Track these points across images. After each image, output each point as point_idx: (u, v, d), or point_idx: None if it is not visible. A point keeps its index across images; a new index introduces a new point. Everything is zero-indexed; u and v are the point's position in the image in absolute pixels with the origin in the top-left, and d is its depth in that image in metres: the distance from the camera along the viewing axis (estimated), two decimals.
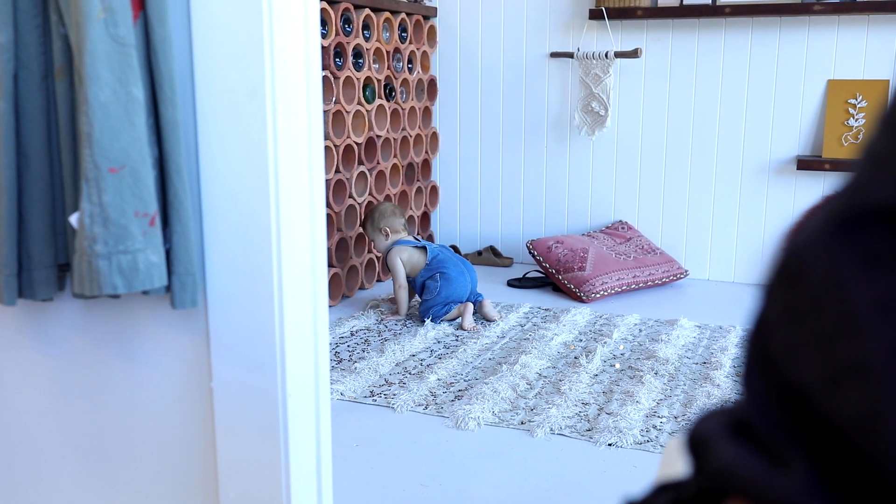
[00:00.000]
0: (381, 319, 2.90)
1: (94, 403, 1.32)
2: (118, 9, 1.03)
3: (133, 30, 1.06)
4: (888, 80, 3.14)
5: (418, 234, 3.77)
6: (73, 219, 1.10)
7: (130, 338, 1.26)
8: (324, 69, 2.91)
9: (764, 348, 0.35)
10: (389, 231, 2.96)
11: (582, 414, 2.10)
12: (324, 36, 2.91)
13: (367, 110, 3.20)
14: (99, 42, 1.03)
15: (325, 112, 2.92)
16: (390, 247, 2.94)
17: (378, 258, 3.40)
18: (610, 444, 1.94)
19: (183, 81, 1.11)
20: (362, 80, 3.16)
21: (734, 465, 0.35)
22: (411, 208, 3.67)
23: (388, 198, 3.45)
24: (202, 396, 1.24)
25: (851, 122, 3.17)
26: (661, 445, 1.93)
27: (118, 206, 1.04)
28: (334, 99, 2.97)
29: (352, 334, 2.72)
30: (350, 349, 2.59)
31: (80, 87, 1.05)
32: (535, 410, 2.12)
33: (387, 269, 3.11)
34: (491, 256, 3.73)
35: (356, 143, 3.15)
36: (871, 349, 0.29)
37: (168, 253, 1.12)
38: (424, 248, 2.95)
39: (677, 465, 0.69)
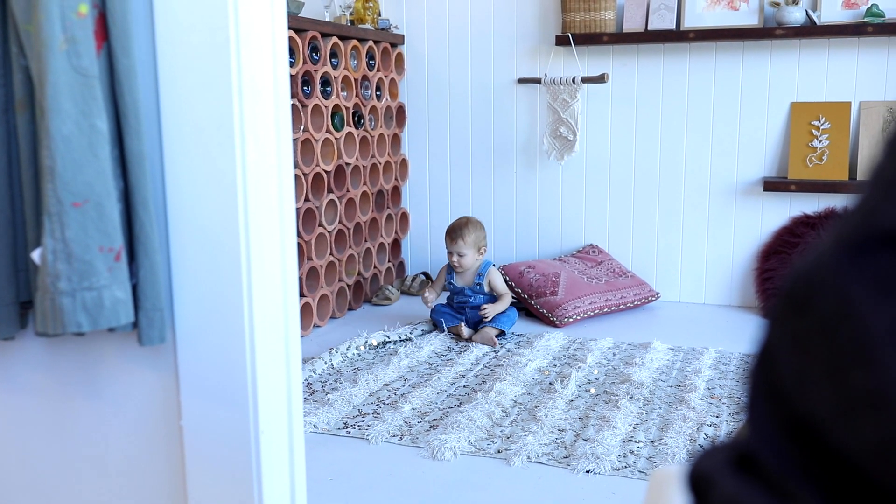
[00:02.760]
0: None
1: (59, 444, 1.28)
2: (81, 39, 1.01)
3: (96, 60, 1.03)
4: (850, 102, 3.19)
5: (389, 261, 3.75)
6: (36, 255, 1.07)
7: (96, 376, 1.22)
8: (292, 98, 2.90)
9: (770, 379, 0.34)
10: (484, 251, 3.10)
11: (559, 441, 2.08)
12: (291, 64, 2.89)
13: (335, 138, 3.18)
14: (61, 73, 1.01)
15: (294, 141, 2.90)
16: (487, 265, 3.08)
17: (350, 286, 3.37)
18: (588, 471, 1.92)
19: (148, 112, 1.09)
20: (331, 108, 3.15)
21: (739, 502, 0.34)
22: (382, 236, 3.65)
23: (358, 226, 3.43)
24: (171, 435, 1.20)
25: (815, 143, 3.21)
26: (640, 471, 1.91)
27: (82, 242, 1.01)
28: (302, 127, 2.96)
29: (325, 363, 2.68)
30: (322, 380, 2.55)
31: (42, 119, 1.03)
32: (511, 438, 2.09)
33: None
34: None
35: (325, 171, 3.13)
36: (887, 377, 0.28)
37: (135, 288, 1.09)
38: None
39: (664, 497, 0.67)
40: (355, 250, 3.41)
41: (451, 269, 3.08)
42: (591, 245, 3.58)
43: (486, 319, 2.96)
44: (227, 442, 1.16)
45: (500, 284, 3.06)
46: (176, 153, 1.10)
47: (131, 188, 1.07)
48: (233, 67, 1.06)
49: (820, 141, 3.21)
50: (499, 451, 2.03)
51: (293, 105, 2.89)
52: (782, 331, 0.34)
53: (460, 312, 3.08)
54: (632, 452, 2.01)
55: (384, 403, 2.35)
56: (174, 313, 1.14)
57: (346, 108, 3.28)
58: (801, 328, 0.33)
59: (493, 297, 3.04)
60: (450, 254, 3.03)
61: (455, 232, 3.03)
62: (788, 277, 0.35)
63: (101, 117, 1.03)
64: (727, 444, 0.39)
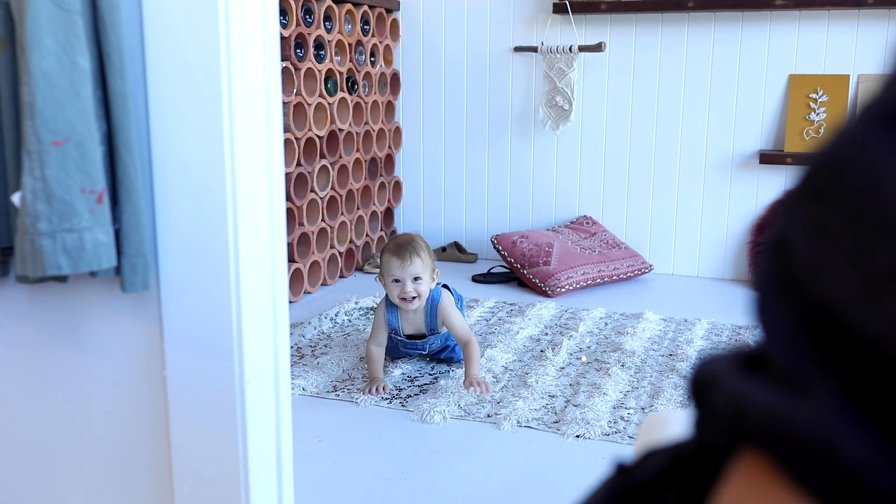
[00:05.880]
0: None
1: (41, 394, 1.26)
2: None
3: None
4: (848, 75, 3.16)
5: (381, 229, 3.72)
6: (16, 198, 1.04)
7: (79, 324, 1.20)
8: (284, 60, 2.86)
9: (783, 273, 0.31)
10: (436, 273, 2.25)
11: (549, 406, 2.07)
12: (284, 26, 2.85)
13: (328, 103, 3.14)
14: (41, 8, 0.98)
15: (285, 104, 2.87)
16: (437, 295, 2.23)
17: (341, 254, 3.34)
18: (578, 436, 1.91)
19: (132, 51, 1.05)
20: (324, 73, 3.10)
21: (746, 400, 0.31)
22: (374, 204, 3.62)
23: (350, 193, 3.40)
24: (155, 386, 1.18)
25: (813, 116, 3.19)
26: (630, 436, 1.90)
27: (62, 182, 0.98)
28: (295, 90, 2.91)
29: (315, 328, 2.66)
30: (312, 344, 2.54)
31: (22, 55, 0.99)
32: (501, 403, 2.08)
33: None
34: (455, 252, 3.69)
35: (318, 137, 3.09)
36: None
37: (117, 233, 1.06)
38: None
39: (655, 433, 0.65)
40: (347, 217, 3.38)
41: (392, 308, 2.22)
42: (584, 216, 3.55)
43: (472, 388, 2.10)
44: (211, 393, 1.14)
45: (458, 321, 2.20)
46: (161, 95, 1.06)
47: (114, 130, 1.04)
48: (220, 4, 1.02)
49: (817, 114, 3.18)
50: (488, 416, 2.01)
51: (285, 68, 2.85)
52: (799, 218, 0.32)
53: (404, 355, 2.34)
54: (622, 419, 2.00)
55: None
56: (158, 260, 1.11)
57: (340, 73, 3.23)
58: (820, 212, 0.30)
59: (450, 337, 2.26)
60: (397, 282, 2.14)
61: (404, 249, 2.14)
62: (807, 164, 0.33)
63: (83, 55, 1.00)
64: (734, 350, 0.37)
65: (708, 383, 0.36)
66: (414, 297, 2.14)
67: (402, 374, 2.29)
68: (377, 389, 2.11)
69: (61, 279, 1.14)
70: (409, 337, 2.26)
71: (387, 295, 2.21)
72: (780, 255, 0.32)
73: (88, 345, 1.20)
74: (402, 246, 2.17)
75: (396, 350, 2.31)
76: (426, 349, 2.29)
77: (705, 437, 0.38)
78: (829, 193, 0.30)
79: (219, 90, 1.06)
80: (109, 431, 1.23)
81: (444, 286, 2.31)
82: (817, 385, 0.29)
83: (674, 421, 0.70)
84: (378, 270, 3.45)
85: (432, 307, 2.21)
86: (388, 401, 2.10)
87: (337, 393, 2.16)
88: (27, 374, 1.26)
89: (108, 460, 1.24)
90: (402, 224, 3.88)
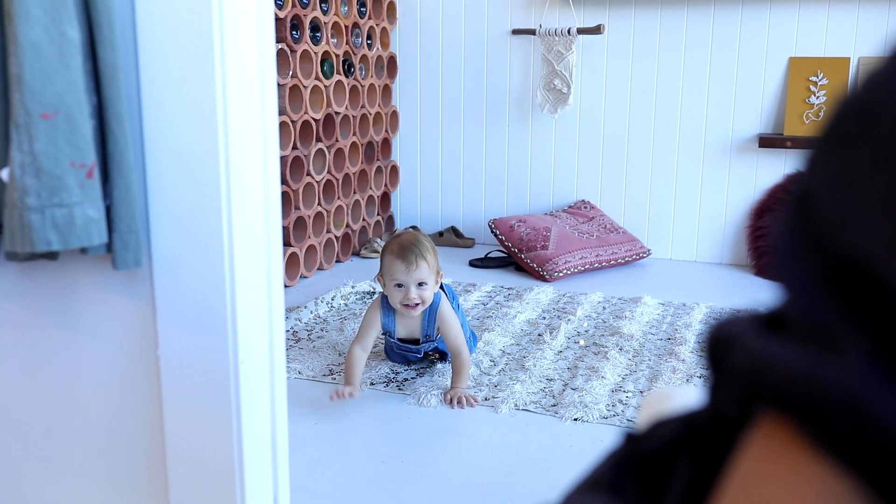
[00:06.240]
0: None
1: (32, 375, 1.24)
2: None
3: None
4: (849, 58, 3.14)
5: (378, 214, 3.70)
6: (4, 173, 1.01)
7: (70, 304, 1.18)
8: (280, 41, 2.82)
9: (809, 224, 0.29)
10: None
11: (547, 390, 2.06)
12: (280, 7, 2.81)
13: (325, 86, 3.11)
14: None
15: (281, 86, 2.84)
16: (437, 300, 2.05)
17: (338, 238, 3.32)
18: (576, 419, 1.89)
19: (123, 22, 1.03)
20: (320, 55, 3.07)
21: (768, 359, 0.30)
22: (371, 188, 3.59)
23: (347, 177, 3.37)
24: (148, 365, 1.16)
25: (813, 99, 3.17)
26: (628, 419, 1.89)
27: (52, 156, 0.96)
28: (291, 73, 2.88)
29: (311, 312, 2.64)
30: (308, 328, 2.52)
31: (10, 26, 0.97)
32: (499, 387, 2.07)
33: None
34: (452, 237, 3.67)
35: (314, 120, 3.06)
36: None
37: (108, 209, 1.04)
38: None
39: (659, 406, 0.64)
40: (344, 202, 3.36)
41: (388, 310, 2.05)
42: (582, 200, 3.53)
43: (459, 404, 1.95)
44: (205, 373, 1.12)
45: (455, 330, 2.01)
46: (153, 67, 1.04)
47: (105, 103, 1.01)
48: None
49: (817, 97, 3.16)
50: (486, 399, 2.00)
51: (281, 49, 2.81)
52: (824, 168, 0.30)
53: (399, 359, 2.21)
54: (620, 402, 1.98)
55: (371, 352, 2.31)
56: (150, 237, 1.09)
57: (336, 56, 3.20)
58: (848, 160, 0.28)
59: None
60: (399, 287, 1.97)
61: (409, 251, 1.96)
62: (832, 111, 0.31)
63: (72, 25, 0.97)
64: (750, 312, 0.35)
65: (725, 344, 0.34)
66: (417, 304, 1.97)
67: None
68: (346, 394, 1.90)
69: (52, 257, 1.11)
70: (402, 341, 2.10)
71: (384, 295, 2.04)
72: (803, 209, 0.30)
73: (80, 324, 1.18)
74: (408, 248, 1.97)
75: (390, 352, 2.20)
76: (420, 353, 2.14)
77: (721, 404, 0.36)
78: (858, 140, 0.28)
79: (212, 63, 1.03)
80: (102, 413, 1.21)
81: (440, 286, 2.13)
82: (845, 341, 0.27)
83: (677, 396, 0.69)
84: (376, 255, 3.46)
85: (431, 312, 2.04)
86: (384, 384, 2.08)
87: (333, 376, 2.14)
88: (17, 354, 1.24)
89: (101, 442, 1.22)
90: (398, 209, 3.85)
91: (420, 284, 1.96)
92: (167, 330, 1.12)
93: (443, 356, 2.19)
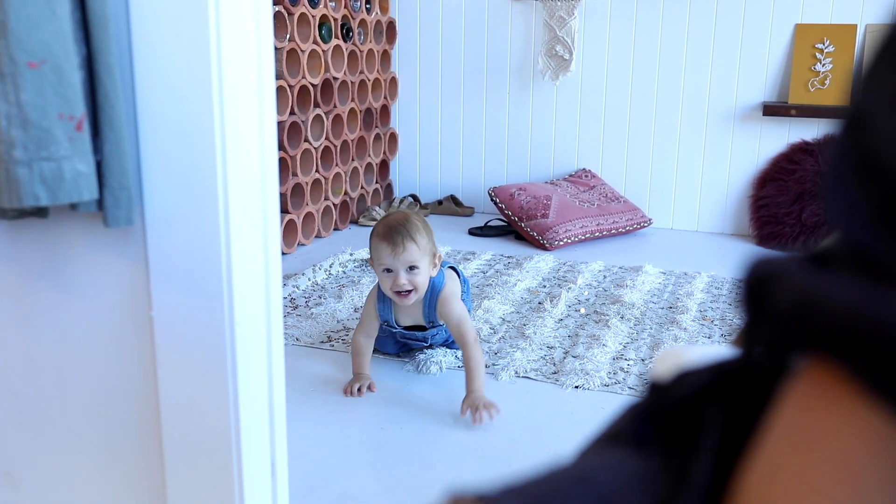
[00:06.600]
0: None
1: (22, 338, 1.21)
2: None
3: None
4: (856, 25, 3.09)
5: (377, 181, 3.66)
6: None
7: (61, 264, 1.14)
8: (277, 4, 2.77)
9: (862, 150, 0.26)
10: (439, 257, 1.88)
11: (547, 357, 2.03)
12: None
13: (322, 50, 3.06)
14: None
15: (278, 50, 2.78)
16: (439, 283, 1.87)
17: (336, 206, 3.28)
18: (577, 387, 1.87)
19: None
20: (318, 18, 3.02)
21: (819, 295, 0.26)
22: (369, 155, 3.55)
23: (345, 144, 3.32)
24: (141, 327, 1.13)
25: (818, 67, 3.12)
26: (629, 387, 1.87)
27: (39, 107, 0.92)
28: (288, 36, 2.83)
29: (309, 280, 2.61)
30: (306, 296, 2.49)
31: None
32: (499, 354, 2.04)
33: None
34: (452, 206, 3.63)
35: (312, 85, 3.01)
36: None
37: (99, 165, 1.00)
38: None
39: (674, 358, 0.61)
40: (342, 169, 3.32)
41: (385, 298, 1.88)
42: (583, 169, 3.49)
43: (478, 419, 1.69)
44: (200, 334, 1.09)
45: (457, 314, 1.82)
46: (144, 16, 1.00)
47: (94, 53, 0.97)
48: None
49: (823, 65, 3.11)
50: (486, 366, 1.97)
51: (278, 12, 2.76)
52: (879, 88, 0.26)
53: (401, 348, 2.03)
54: (622, 370, 1.96)
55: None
56: (143, 194, 1.05)
57: (335, 20, 3.14)
58: None
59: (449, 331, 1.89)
60: (388, 272, 1.80)
61: (395, 232, 1.78)
62: (889, 25, 0.28)
63: None
64: (794, 250, 0.32)
65: (768, 282, 0.30)
66: (409, 291, 1.79)
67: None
68: (361, 389, 1.80)
69: (41, 214, 1.08)
70: (408, 328, 1.94)
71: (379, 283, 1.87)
72: (856, 134, 0.27)
73: (71, 285, 1.15)
74: (393, 228, 1.78)
75: (388, 343, 1.98)
76: (428, 341, 1.96)
77: (759, 350, 0.33)
78: None
79: (206, 15, 0.99)
80: (94, 376, 1.18)
81: (452, 268, 2.00)
82: None
83: (693, 353, 0.66)
84: (373, 223, 3.42)
85: (432, 296, 1.85)
86: (383, 353, 2.06)
87: (331, 343, 2.12)
88: (6, 315, 1.21)
89: (93, 406, 1.20)
90: (397, 177, 3.81)
91: (411, 269, 1.78)
92: (161, 290, 1.09)
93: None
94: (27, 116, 0.92)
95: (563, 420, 1.72)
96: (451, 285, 1.89)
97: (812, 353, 0.28)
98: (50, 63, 0.93)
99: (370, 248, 1.85)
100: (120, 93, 0.99)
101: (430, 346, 2.01)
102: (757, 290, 0.31)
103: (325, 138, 3.16)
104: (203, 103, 1.00)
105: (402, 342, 1.99)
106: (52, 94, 0.93)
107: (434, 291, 1.85)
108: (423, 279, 1.80)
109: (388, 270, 1.79)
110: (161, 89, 1.02)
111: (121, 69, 1.00)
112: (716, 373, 0.35)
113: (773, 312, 0.30)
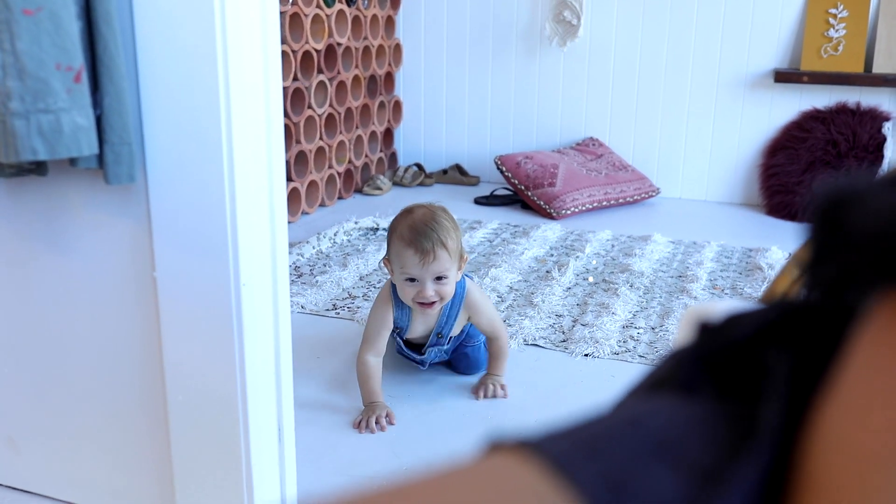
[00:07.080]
0: None
1: (21, 300, 1.18)
2: None
3: None
4: None
5: (381, 150, 3.61)
6: None
7: (62, 222, 1.11)
8: None
9: None
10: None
11: (556, 325, 2.01)
12: None
13: (326, 15, 3.00)
14: None
15: (281, 14, 2.73)
16: (462, 288, 1.64)
17: (340, 174, 3.24)
18: (586, 355, 1.84)
19: None
20: None
21: None
22: (374, 123, 3.50)
23: (349, 111, 3.28)
24: (144, 287, 1.10)
25: (831, 32, 3.06)
26: (640, 356, 1.84)
27: (36, 56, 0.89)
28: (291, 0, 2.77)
29: (314, 248, 2.58)
30: (310, 264, 2.46)
31: None
32: (507, 322, 2.01)
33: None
34: (457, 175, 3.59)
35: (315, 50, 2.96)
36: None
37: (99, 119, 0.97)
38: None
39: (699, 315, 0.57)
40: (346, 137, 3.27)
41: (400, 303, 1.61)
42: (591, 138, 3.44)
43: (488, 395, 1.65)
44: (204, 295, 1.06)
45: (488, 314, 1.66)
46: None
47: (92, 2, 0.94)
48: None
49: (836, 30, 3.05)
50: None
51: None
52: None
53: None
54: (632, 338, 1.93)
55: (374, 287, 2.26)
56: (145, 150, 1.02)
57: None
58: None
59: (470, 335, 1.70)
60: (411, 281, 1.55)
61: (424, 236, 1.52)
62: None
63: None
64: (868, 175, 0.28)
65: (845, 205, 0.27)
66: (434, 302, 1.56)
67: None
68: (379, 420, 1.53)
69: (40, 172, 1.05)
70: (408, 345, 1.72)
71: (393, 283, 1.61)
72: None
73: (71, 244, 1.12)
74: (421, 232, 1.51)
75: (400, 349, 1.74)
76: (426, 365, 1.73)
77: (831, 281, 0.30)
78: None
79: None
80: (96, 338, 1.15)
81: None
82: None
83: (720, 311, 0.63)
84: (379, 193, 3.39)
85: (452, 305, 1.62)
86: None
87: (337, 311, 2.09)
88: (7, 279, 1.18)
89: (96, 369, 1.17)
90: (401, 145, 3.76)
91: (439, 279, 1.54)
92: (164, 249, 1.06)
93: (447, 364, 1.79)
94: (24, 66, 0.88)
95: (573, 388, 1.70)
96: (473, 288, 1.65)
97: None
98: (46, 10, 0.89)
99: (389, 249, 1.58)
100: (119, 44, 0.95)
101: (424, 367, 1.75)
102: (833, 213, 0.28)
103: (329, 105, 3.11)
104: (206, 57, 0.97)
105: (398, 353, 1.77)
106: (50, 44, 0.89)
107: (456, 298, 1.61)
108: (450, 289, 1.56)
109: (412, 279, 1.54)
110: (162, 42, 0.98)
111: (120, 19, 0.97)
112: (778, 312, 0.32)
113: (854, 237, 0.26)
